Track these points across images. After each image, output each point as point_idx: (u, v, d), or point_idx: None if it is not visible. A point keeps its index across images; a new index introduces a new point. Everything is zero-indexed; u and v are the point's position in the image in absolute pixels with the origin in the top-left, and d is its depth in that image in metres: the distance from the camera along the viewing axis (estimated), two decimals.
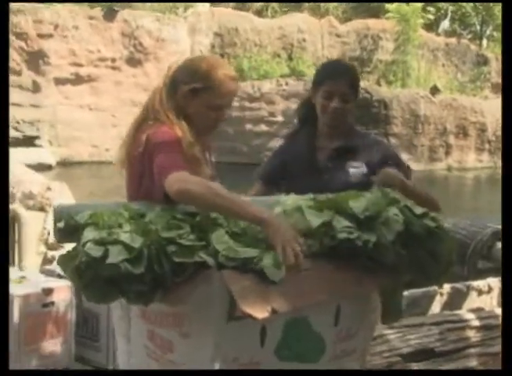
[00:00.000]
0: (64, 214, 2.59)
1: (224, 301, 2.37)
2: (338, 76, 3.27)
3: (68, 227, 2.54)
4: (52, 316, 4.41)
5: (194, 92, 2.85)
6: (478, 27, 31.56)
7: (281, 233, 2.40)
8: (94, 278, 2.37)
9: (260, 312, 2.30)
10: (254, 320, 2.30)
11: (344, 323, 2.66)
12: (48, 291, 4.39)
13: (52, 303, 4.40)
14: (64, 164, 19.13)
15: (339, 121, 3.30)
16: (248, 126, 22.35)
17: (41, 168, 17.33)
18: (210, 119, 2.90)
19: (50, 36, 19.86)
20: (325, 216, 2.58)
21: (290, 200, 2.74)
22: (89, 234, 2.42)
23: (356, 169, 3.25)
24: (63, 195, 6.17)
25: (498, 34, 31.80)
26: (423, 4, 24.03)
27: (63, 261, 2.50)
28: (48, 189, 6.06)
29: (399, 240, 2.59)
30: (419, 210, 2.71)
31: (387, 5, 23.72)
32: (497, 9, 31.22)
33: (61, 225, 2.56)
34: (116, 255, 2.34)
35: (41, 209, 5.92)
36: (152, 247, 2.38)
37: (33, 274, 4.78)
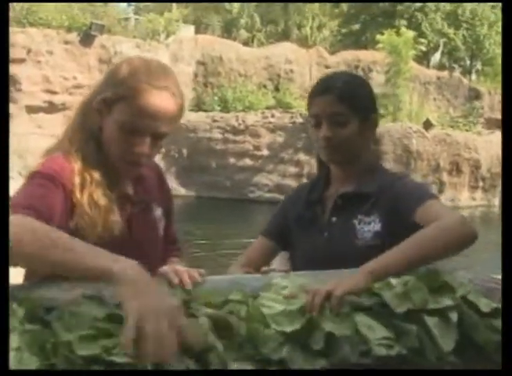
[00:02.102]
0: None
1: None
2: (322, 92, 2.24)
3: None
4: None
5: (107, 106, 1.94)
6: (468, 62, 31.56)
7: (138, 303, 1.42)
8: None
9: None
10: None
11: None
12: None
13: None
14: None
15: (335, 154, 2.25)
16: (232, 160, 21.81)
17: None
18: (126, 147, 1.95)
19: (22, 61, 19.15)
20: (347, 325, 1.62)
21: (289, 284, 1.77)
22: None
23: (366, 226, 2.18)
24: None
25: (488, 69, 31.55)
26: (414, 35, 23.52)
27: None
28: None
29: (453, 350, 1.63)
30: (486, 305, 1.70)
31: (378, 36, 23.20)
32: (488, 42, 30.97)
33: None
34: None
35: None
36: None
37: None
